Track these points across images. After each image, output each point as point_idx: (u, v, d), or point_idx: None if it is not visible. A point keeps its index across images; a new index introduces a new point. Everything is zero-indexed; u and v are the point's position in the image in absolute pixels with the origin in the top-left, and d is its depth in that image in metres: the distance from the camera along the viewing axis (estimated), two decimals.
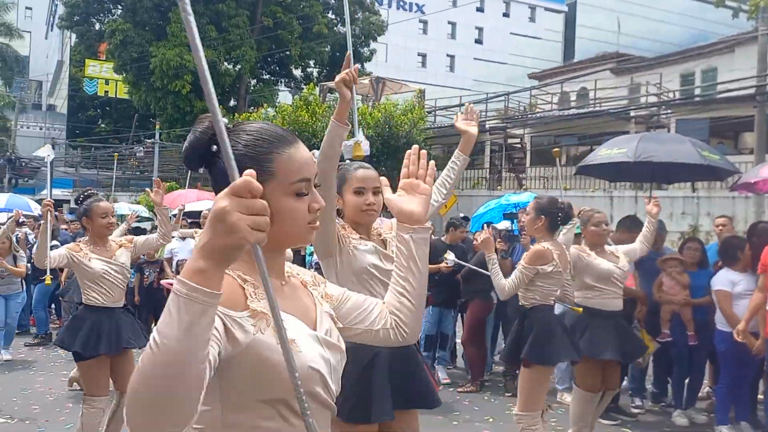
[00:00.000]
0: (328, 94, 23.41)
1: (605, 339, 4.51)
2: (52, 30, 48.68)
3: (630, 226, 5.84)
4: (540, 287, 4.08)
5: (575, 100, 27.80)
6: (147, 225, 15.92)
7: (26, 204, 12.93)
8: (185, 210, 9.79)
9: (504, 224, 7.24)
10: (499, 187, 19.85)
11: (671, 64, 25.64)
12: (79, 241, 4.58)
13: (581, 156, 23.03)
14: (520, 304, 4.26)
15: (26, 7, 54.65)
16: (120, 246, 4.45)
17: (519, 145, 23.20)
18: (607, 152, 6.28)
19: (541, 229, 4.09)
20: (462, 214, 7.84)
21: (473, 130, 3.03)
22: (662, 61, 25.90)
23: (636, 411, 6.04)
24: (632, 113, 20.63)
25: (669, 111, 20.58)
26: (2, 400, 6.22)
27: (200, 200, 12.63)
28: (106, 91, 38.80)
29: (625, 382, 6.39)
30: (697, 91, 23.72)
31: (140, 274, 8.66)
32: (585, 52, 39.56)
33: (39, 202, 12.89)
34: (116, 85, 37.17)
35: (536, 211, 4.10)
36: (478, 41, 50.80)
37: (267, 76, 36.10)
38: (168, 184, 24.02)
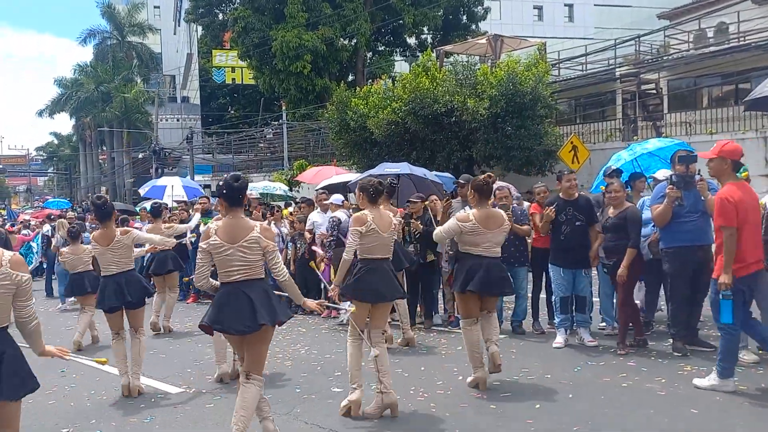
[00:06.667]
0: (445, 59, 23.11)
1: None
2: (179, 25, 51.47)
3: None
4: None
5: (712, 37, 25.52)
6: (281, 203, 16.62)
7: (198, 187, 14.62)
8: (324, 185, 10.40)
9: (663, 172, 6.73)
10: (635, 137, 18.65)
11: None
12: None
13: (725, 96, 21.18)
14: None
15: (154, 6, 58.15)
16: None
17: (654, 91, 21.70)
18: None
19: None
20: (613, 167, 7.40)
21: None
22: None
23: None
24: None
25: None
26: (178, 370, 6.71)
27: (338, 174, 12.99)
28: (233, 79, 40.65)
29: None
30: None
31: (294, 246, 9.55)
32: None
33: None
34: (242, 71, 38.82)
35: None
36: None
37: (382, 48, 36.19)
38: (298, 161, 24.88)
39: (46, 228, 15.25)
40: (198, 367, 6.82)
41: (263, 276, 4.30)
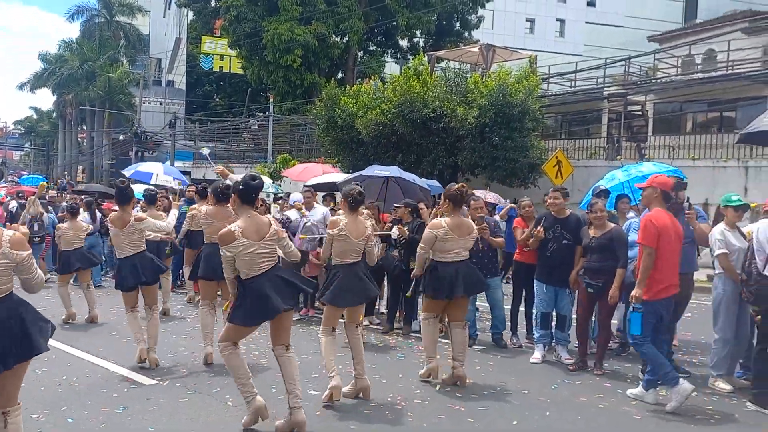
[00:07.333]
0: (436, 64, 23.13)
1: None
2: (169, 8, 50.88)
3: None
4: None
5: (700, 64, 25.90)
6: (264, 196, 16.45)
7: (179, 173, 14.54)
8: (312, 184, 10.32)
9: None
10: (618, 158, 18.86)
11: None
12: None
13: (709, 122, 21.49)
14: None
15: None
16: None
17: (640, 113, 21.95)
18: None
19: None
20: (602, 186, 7.44)
21: None
22: None
23: None
24: None
25: None
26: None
27: (325, 173, 12.86)
28: (221, 67, 40.24)
29: None
30: None
31: None
32: (710, 12, 36.68)
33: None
34: (230, 60, 38.46)
35: None
36: (591, 3, 48.46)
37: (374, 48, 36.13)
38: (282, 155, 24.70)
39: (13, 204, 14.69)
40: (172, 358, 6.72)
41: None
